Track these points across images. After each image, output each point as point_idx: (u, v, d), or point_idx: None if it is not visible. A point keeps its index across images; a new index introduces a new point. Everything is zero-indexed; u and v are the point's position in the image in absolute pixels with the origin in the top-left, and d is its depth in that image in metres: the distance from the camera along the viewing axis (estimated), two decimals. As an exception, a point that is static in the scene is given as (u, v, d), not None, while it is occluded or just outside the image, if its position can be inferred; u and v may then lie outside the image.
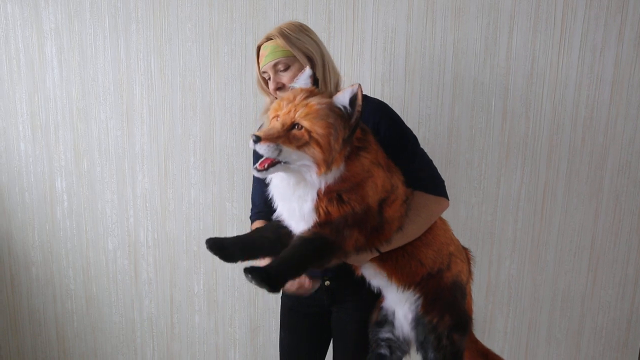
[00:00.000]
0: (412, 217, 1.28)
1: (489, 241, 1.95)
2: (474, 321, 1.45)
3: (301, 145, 1.08)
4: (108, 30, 1.96)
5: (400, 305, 1.36)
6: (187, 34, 1.92)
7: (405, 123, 1.41)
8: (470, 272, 1.42)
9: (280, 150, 1.07)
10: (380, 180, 1.18)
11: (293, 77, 1.34)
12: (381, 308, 1.43)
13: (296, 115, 1.08)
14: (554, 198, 1.90)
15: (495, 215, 1.93)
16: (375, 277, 1.34)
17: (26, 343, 2.31)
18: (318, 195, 1.14)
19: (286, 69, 1.36)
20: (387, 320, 1.42)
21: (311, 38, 1.38)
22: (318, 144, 1.08)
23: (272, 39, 1.36)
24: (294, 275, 1.17)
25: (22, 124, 2.10)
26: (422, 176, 1.34)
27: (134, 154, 2.05)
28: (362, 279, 1.37)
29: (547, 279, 1.96)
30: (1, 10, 2.02)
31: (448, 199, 1.37)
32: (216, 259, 2.21)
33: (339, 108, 1.10)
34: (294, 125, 1.08)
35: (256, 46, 1.39)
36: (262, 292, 2.08)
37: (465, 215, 1.93)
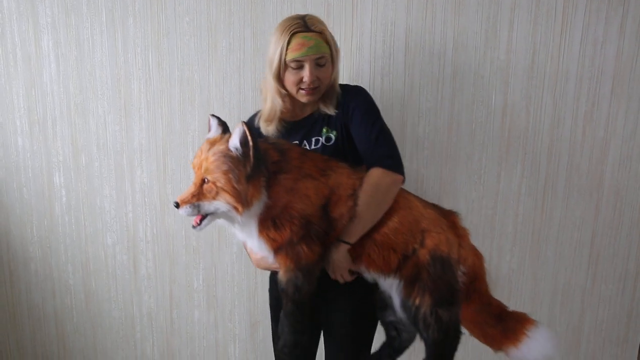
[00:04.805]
0: (365, 200, 1.31)
1: (490, 235, 1.94)
2: (488, 278, 1.44)
3: (214, 195, 1.22)
4: (105, 25, 1.95)
5: (391, 290, 1.38)
6: (185, 28, 1.91)
7: (377, 105, 1.46)
8: (461, 235, 1.40)
9: (199, 207, 1.23)
10: (312, 190, 1.27)
11: (327, 74, 1.41)
12: (381, 292, 1.44)
13: (202, 171, 1.23)
14: (554, 192, 1.89)
15: (496, 210, 1.92)
16: (357, 269, 1.38)
17: (25, 338, 2.31)
18: (258, 228, 1.27)
19: (324, 65, 1.40)
20: (387, 305, 1.45)
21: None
22: (225, 190, 1.20)
23: (317, 32, 1.38)
24: (303, 330, 1.35)
25: (19, 118, 2.08)
26: (380, 151, 1.38)
27: (132, 149, 2.04)
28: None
29: (547, 274, 1.96)
30: (-3, 4, 2.00)
31: (403, 176, 1.39)
32: (215, 253, 2.21)
33: (232, 151, 1.22)
34: (204, 180, 1.23)
35: (289, 33, 1.36)
36: (262, 287, 2.08)
37: (465, 210, 1.92)
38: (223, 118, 1.94)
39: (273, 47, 1.40)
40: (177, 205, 1.23)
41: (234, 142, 1.21)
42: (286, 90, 1.44)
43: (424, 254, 1.31)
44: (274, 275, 1.58)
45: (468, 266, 1.38)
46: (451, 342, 1.33)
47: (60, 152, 2.09)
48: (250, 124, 1.25)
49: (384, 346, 1.51)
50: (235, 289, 2.10)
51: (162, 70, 1.95)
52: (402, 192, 1.40)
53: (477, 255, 1.42)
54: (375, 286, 1.43)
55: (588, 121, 1.83)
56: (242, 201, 1.21)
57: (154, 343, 2.23)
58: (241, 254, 2.06)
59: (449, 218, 1.41)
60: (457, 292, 1.34)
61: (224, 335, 2.17)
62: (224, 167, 1.20)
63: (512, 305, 1.97)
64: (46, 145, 2.09)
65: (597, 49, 1.77)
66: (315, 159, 1.33)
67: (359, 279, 1.41)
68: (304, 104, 1.49)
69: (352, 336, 1.53)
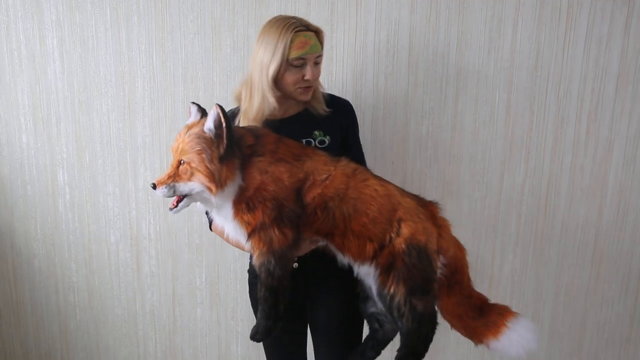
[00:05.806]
0: None
1: (492, 235, 1.94)
2: (470, 269, 1.41)
3: (189, 176, 1.24)
4: (109, 22, 1.95)
5: (368, 279, 1.37)
6: (188, 26, 1.91)
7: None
8: (441, 226, 1.37)
9: (174, 188, 1.25)
10: (286, 174, 1.28)
11: (320, 72, 1.46)
12: (362, 284, 1.43)
13: (179, 154, 1.25)
14: (557, 192, 1.89)
15: (499, 210, 1.92)
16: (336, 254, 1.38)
17: (29, 335, 2.32)
18: (232, 211, 1.28)
19: (319, 63, 1.44)
20: (368, 296, 1.43)
21: None
22: (199, 170, 1.23)
23: (314, 31, 1.41)
24: (276, 317, 1.32)
25: (23, 116, 2.09)
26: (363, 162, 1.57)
27: (136, 147, 2.04)
28: (333, 260, 1.39)
29: (550, 274, 1.95)
30: (2, 1, 2.01)
31: None
32: (218, 251, 2.22)
33: (206, 132, 1.24)
34: (180, 162, 1.25)
35: (291, 31, 1.36)
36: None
37: (468, 209, 1.92)
38: (226, 116, 1.95)
39: (269, 47, 1.37)
40: (154, 187, 1.26)
41: (208, 124, 1.24)
42: (280, 90, 1.42)
43: (399, 243, 1.29)
44: (253, 279, 1.57)
45: (449, 257, 1.35)
46: (426, 332, 1.32)
47: (64, 150, 2.10)
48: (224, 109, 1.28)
49: (367, 339, 1.50)
50: (238, 286, 2.11)
51: (166, 68, 1.96)
52: (382, 180, 1.38)
53: (459, 247, 1.40)
54: (357, 279, 1.42)
55: (592, 121, 1.82)
56: (216, 181, 1.22)
57: (157, 340, 2.23)
58: (243, 252, 2.06)
59: (428, 208, 1.38)
60: (432, 282, 1.32)
61: (226, 333, 2.17)
62: (198, 147, 1.23)
63: (515, 306, 1.97)
64: (50, 142, 2.10)
65: (601, 49, 1.77)
66: (291, 146, 1.34)
67: (345, 274, 1.40)
68: (289, 105, 1.49)
69: (339, 332, 1.53)
